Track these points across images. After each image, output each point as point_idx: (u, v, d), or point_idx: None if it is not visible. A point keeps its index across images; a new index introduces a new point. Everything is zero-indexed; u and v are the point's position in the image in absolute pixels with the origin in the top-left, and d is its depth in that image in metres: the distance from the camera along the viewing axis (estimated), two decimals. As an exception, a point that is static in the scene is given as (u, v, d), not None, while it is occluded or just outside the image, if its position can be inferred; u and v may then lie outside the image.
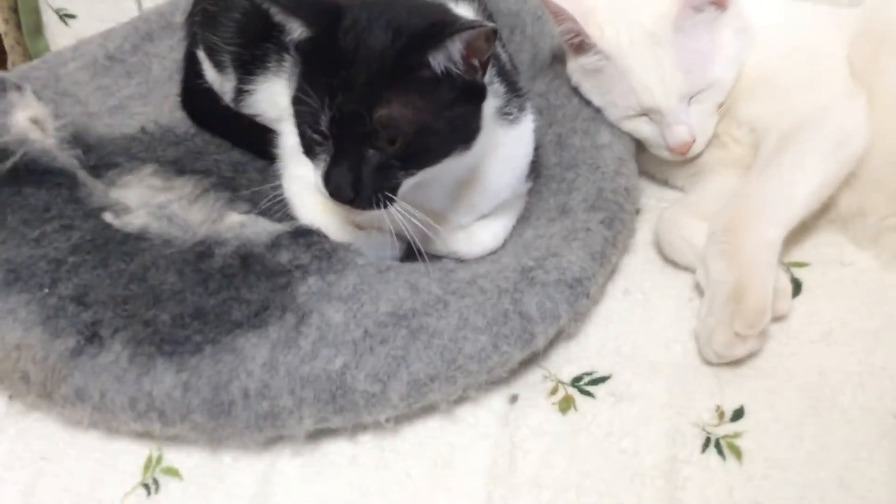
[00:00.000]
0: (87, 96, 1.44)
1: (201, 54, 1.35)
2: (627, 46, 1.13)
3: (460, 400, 0.97)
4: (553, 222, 1.10)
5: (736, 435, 0.92)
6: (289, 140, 1.13)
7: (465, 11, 1.06)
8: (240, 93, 1.27)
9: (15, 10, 1.78)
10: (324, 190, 0.95)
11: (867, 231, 1.10)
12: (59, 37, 1.71)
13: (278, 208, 1.11)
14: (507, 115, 1.05)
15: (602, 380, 0.99)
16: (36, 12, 1.76)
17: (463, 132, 0.96)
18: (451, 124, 0.94)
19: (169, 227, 1.10)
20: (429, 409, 0.96)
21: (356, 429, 0.96)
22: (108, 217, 1.11)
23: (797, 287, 1.06)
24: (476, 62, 0.92)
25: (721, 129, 1.17)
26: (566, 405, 0.97)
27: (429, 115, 0.92)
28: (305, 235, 1.04)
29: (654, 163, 1.24)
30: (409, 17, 0.93)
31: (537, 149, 1.16)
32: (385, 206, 0.95)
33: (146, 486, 0.93)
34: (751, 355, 0.99)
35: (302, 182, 1.09)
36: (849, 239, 1.12)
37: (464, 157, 0.98)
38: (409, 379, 0.92)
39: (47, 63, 1.49)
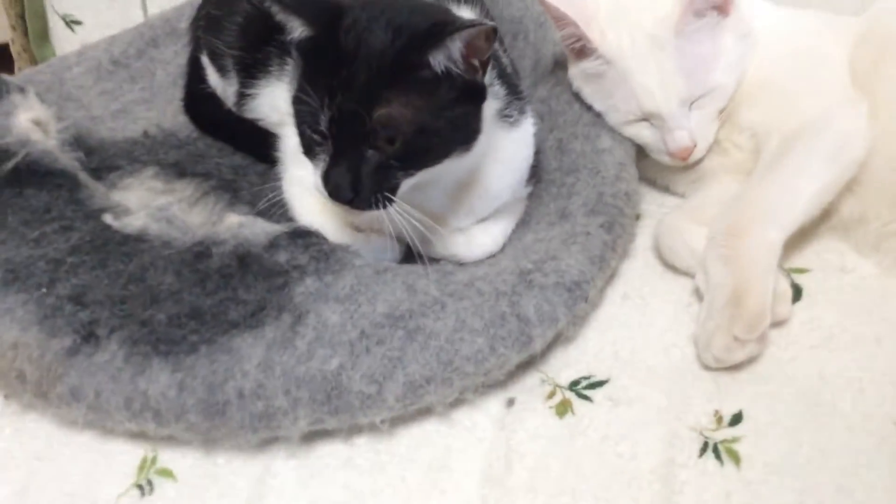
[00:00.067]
0: (90, 100, 1.45)
1: (205, 59, 1.35)
2: (628, 51, 1.13)
3: (457, 403, 0.96)
4: (553, 226, 1.09)
5: (734, 440, 0.91)
6: (290, 143, 1.13)
7: (467, 14, 1.07)
8: (242, 97, 1.27)
9: (22, 16, 1.79)
10: (323, 190, 0.95)
11: (869, 237, 1.09)
12: (65, 43, 1.72)
13: (277, 210, 1.11)
14: (508, 117, 1.05)
15: (600, 384, 0.98)
16: (43, 18, 1.76)
17: (463, 133, 0.96)
18: (451, 125, 0.94)
19: (168, 228, 1.10)
20: (425, 412, 0.96)
21: (351, 431, 0.95)
22: (107, 218, 1.11)
23: (798, 293, 1.06)
24: (476, 62, 0.92)
25: (722, 134, 1.17)
26: (563, 409, 0.96)
27: (428, 115, 0.92)
28: (304, 236, 1.04)
29: (655, 169, 1.24)
30: (409, 17, 0.93)
31: (538, 153, 1.16)
32: (384, 207, 0.94)
33: (140, 487, 0.93)
34: (750, 360, 0.98)
35: (301, 184, 1.09)
36: (850, 246, 1.12)
37: (464, 158, 0.98)
38: (405, 380, 0.92)
39: (52, 67, 1.51)
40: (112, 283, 1.02)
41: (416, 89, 0.92)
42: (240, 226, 1.05)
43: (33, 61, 1.78)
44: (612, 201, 1.09)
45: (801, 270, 1.09)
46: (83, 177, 1.17)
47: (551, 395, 0.98)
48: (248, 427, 0.92)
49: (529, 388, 0.99)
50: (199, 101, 1.38)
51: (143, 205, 1.15)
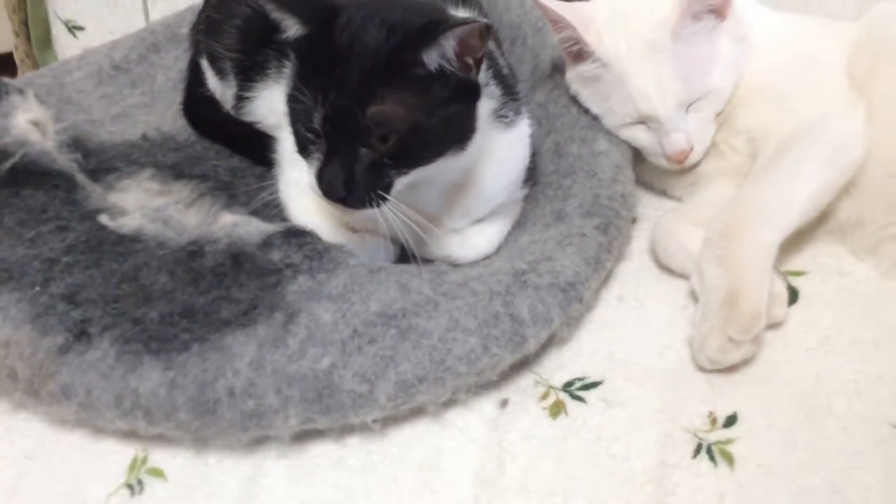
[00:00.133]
0: (90, 104, 1.45)
1: (204, 63, 1.36)
2: (626, 53, 1.13)
3: (449, 403, 0.96)
4: (548, 228, 1.09)
5: (728, 441, 0.90)
6: (287, 145, 1.13)
7: (464, 15, 1.07)
8: (240, 99, 1.28)
9: (25, 22, 1.80)
10: (317, 189, 0.95)
11: (866, 241, 1.09)
12: (67, 48, 1.73)
13: (272, 210, 1.11)
14: (503, 117, 1.05)
15: (594, 385, 0.98)
16: (45, 24, 1.78)
17: (457, 131, 0.96)
18: (445, 123, 0.94)
19: (164, 229, 1.10)
20: (417, 412, 0.95)
21: (343, 431, 0.94)
22: (103, 219, 1.11)
23: (794, 295, 1.05)
24: (470, 60, 0.92)
25: (719, 138, 1.17)
26: (556, 410, 0.96)
27: (422, 113, 0.92)
28: (298, 235, 1.04)
29: (652, 172, 1.23)
30: (404, 16, 0.93)
31: (535, 156, 1.16)
32: (378, 205, 0.94)
33: (130, 487, 0.92)
34: (745, 362, 0.98)
35: (297, 185, 1.09)
36: (847, 249, 1.11)
37: (459, 158, 0.98)
38: (397, 379, 0.91)
39: (53, 71, 1.51)
40: (105, 282, 1.02)
41: (410, 87, 0.92)
42: (234, 225, 1.05)
43: (36, 68, 1.78)
44: (608, 203, 1.09)
45: (797, 273, 1.08)
46: (80, 178, 1.17)
47: (545, 395, 0.97)
48: (239, 426, 0.91)
49: (523, 388, 0.98)
50: (197, 104, 1.38)
51: (140, 206, 1.15)
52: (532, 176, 1.16)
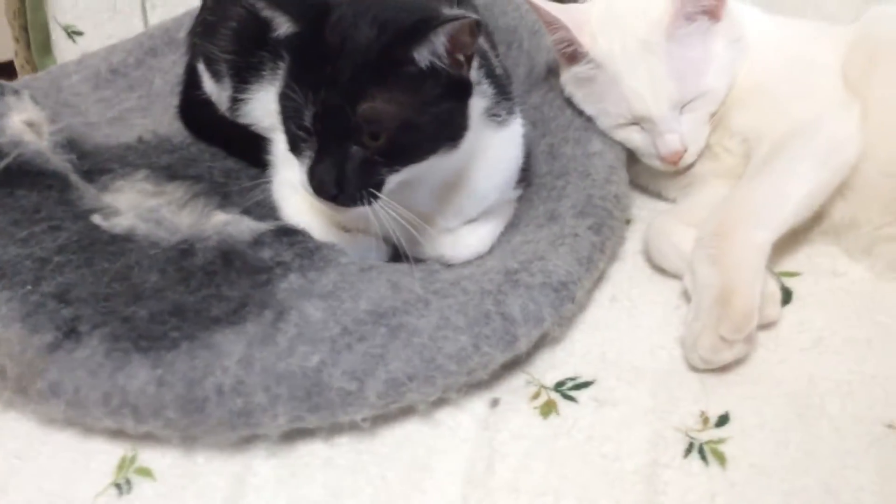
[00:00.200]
0: (87, 108, 1.46)
1: (200, 66, 1.36)
2: (619, 54, 1.13)
3: (440, 403, 0.95)
4: (541, 228, 1.09)
5: (720, 440, 0.90)
6: (281, 147, 1.12)
7: None
8: (235, 101, 1.28)
9: (25, 28, 1.80)
10: (308, 187, 0.94)
11: (860, 241, 1.08)
12: (66, 53, 1.73)
13: (266, 211, 1.11)
14: (496, 116, 1.05)
15: (585, 385, 0.97)
16: (45, 30, 1.78)
17: (449, 129, 0.96)
18: (437, 120, 0.94)
19: (157, 229, 1.10)
20: (407, 411, 0.94)
21: (332, 430, 0.94)
22: (96, 219, 1.11)
23: (788, 296, 1.05)
24: (461, 56, 0.92)
25: (714, 139, 1.17)
26: (548, 409, 0.95)
27: (413, 110, 0.92)
28: (289, 234, 1.04)
29: (646, 174, 1.23)
30: (395, 14, 0.93)
31: (529, 157, 1.16)
32: (369, 203, 0.94)
33: (118, 486, 0.91)
34: (738, 362, 0.97)
35: (290, 185, 1.09)
36: (842, 250, 1.11)
37: (451, 156, 0.97)
38: (387, 377, 0.90)
39: (51, 74, 1.52)
40: (97, 281, 1.02)
41: (401, 85, 0.92)
42: (225, 223, 1.05)
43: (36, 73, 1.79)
44: (602, 203, 1.09)
45: (791, 274, 1.08)
46: (74, 178, 1.17)
47: (536, 395, 0.97)
48: (227, 424, 0.90)
49: (514, 388, 0.98)
50: (193, 107, 1.38)
51: (133, 206, 1.15)
52: (526, 177, 1.15)
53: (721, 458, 0.88)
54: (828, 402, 0.92)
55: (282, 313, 0.95)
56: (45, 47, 1.79)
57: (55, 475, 0.93)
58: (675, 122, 1.13)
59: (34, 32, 1.78)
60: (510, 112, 1.08)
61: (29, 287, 1.01)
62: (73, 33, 1.74)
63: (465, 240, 1.10)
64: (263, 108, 1.22)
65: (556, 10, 1.14)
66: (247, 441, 0.93)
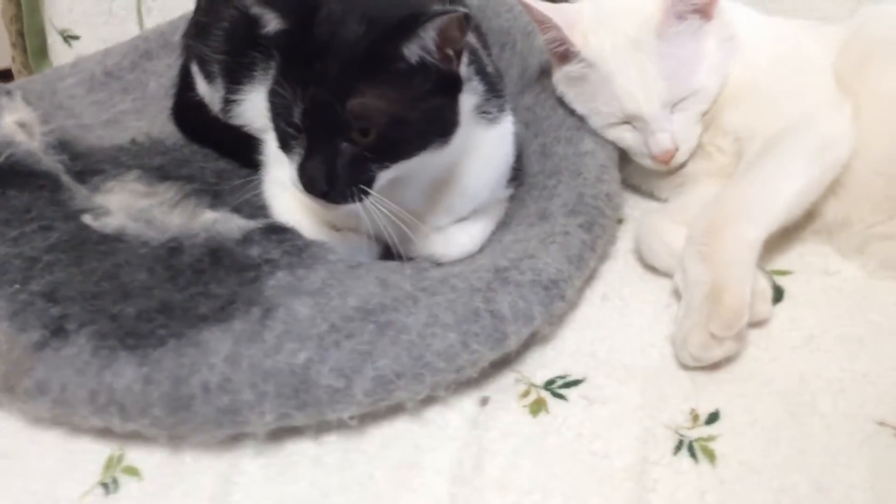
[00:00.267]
0: (81, 110, 1.46)
1: (194, 68, 1.36)
2: (611, 53, 1.12)
3: (429, 401, 0.94)
4: (532, 227, 1.08)
5: (710, 438, 0.89)
6: (273, 147, 1.12)
7: None
8: (227, 102, 1.28)
9: (22, 33, 1.81)
10: (298, 184, 0.94)
11: (853, 240, 1.08)
12: (62, 58, 1.74)
13: (256, 210, 1.11)
14: (486, 113, 1.05)
15: (575, 383, 0.96)
16: (42, 35, 1.79)
17: (439, 125, 0.96)
18: (427, 116, 0.94)
19: (147, 228, 1.10)
20: (396, 410, 0.94)
21: (321, 429, 0.93)
22: (87, 219, 1.11)
23: (779, 294, 1.04)
24: (450, 51, 0.92)
25: (706, 138, 1.16)
26: (537, 408, 0.94)
27: (402, 106, 0.92)
28: (278, 232, 1.03)
29: (639, 174, 1.23)
30: (384, 9, 0.93)
31: (520, 157, 1.15)
32: (360, 200, 0.93)
33: (105, 486, 0.91)
34: (729, 360, 0.96)
35: (281, 184, 1.08)
36: (834, 249, 1.10)
37: (442, 152, 0.97)
38: (375, 375, 0.90)
39: (45, 77, 1.53)
40: (85, 280, 1.01)
41: (390, 80, 0.91)
42: (214, 222, 1.05)
43: (32, 78, 1.80)
44: (593, 202, 1.08)
45: (783, 272, 1.07)
46: (65, 179, 1.17)
47: (526, 393, 0.96)
48: (214, 422, 0.89)
49: (504, 387, 0.97)
50: (187, 108, 1.39)
51: (124, 206, 1.15)
52: (518, 177, 1.15)
53: (711, 456, 0.87)
54: (819, 399, 0.92)
55: (269, 310, 0.94)
56: (42, 52, 1.80)
57: (42, 474, 0.92)
58: (666, 121, 1.12)
59: (30, 37, 1.79)
60: (501, 109, 1.07)
61: (17, 286, 1.00)
62: (69, 37, 1.74)
63: (456, 238, 1.10)
64: (255, 108, 1.21)
65: (548, 10, 1.13)
66: (234, 440, 0.92)
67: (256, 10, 0.95)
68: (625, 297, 1.07)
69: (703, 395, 0.93)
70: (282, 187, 1.09)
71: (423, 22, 0.88)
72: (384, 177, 0.95)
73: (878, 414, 0.90)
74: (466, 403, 0.95)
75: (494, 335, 0.94)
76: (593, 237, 1.05)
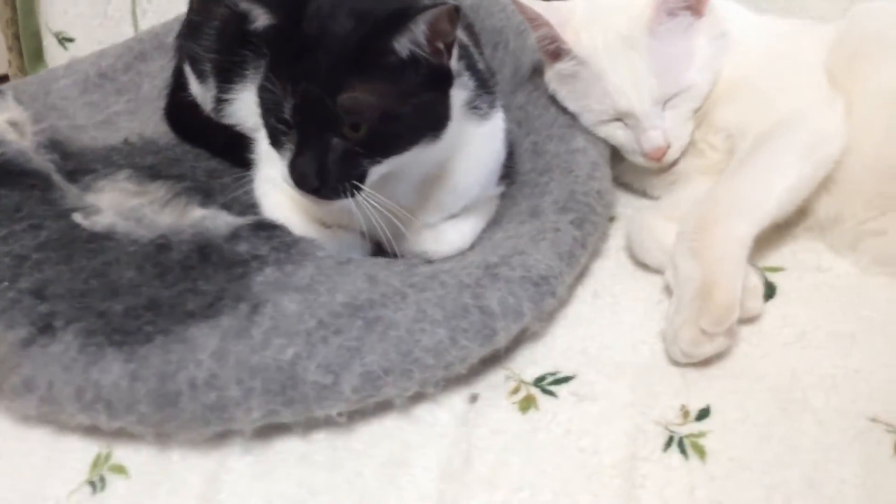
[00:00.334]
0: (75, 111, 1.46)
1: (187, 68, 1.36)
2: (602, 50, 1.12)
3: (418, 398, 0.93)
4: (523, 224, 1.08)
5: (700, 434, 0.88)
6: (264, 145, 1.12)
7: None
8: (219, 101, 1.27)
9: (17, 36, 1.81)
10: (290, 180, 0.93)
11: (845, 237, 1.07)
12: (58, 60, 1.74)
13: (246, 208, 1.10)
14: (477, 109, 1.05)
15: (565, 380, 0.96)
16: (37, 38, 1.79)
17: (431, 119, 0.95)
18: (418, 110, 0.93)
19: (137, 227, 1.09)
20: (385, 407, 0.93)
21: (308, 426, 0.92)
22: (77, 217, 1.11)
23: (771, 290, 1.03)
24: (441, 45, 0.92)
25: (698, 136, 1.16)
26: (527, 404, 0.93)
27: (393, 100, 0.91)
28: (266, 228, 1.03)
29: (631, 172, 1.22)
30: (374, 4, 0.93)
31: (512, 155, 1.15)
32: (352, 195, 0.93)
33: (92, 484, 0.90)
34: (720, 356, 0.96)
35: (272, 182, 1.08)
36: (827, 245, 1.10)
37: (433, 147, 0.97)
38: (363, 371, 0.89)
39: (39, 78, 1.53)
40: (74, 278, 1.01)
41: (381, 75, 0.91)
42: (202, 218, 1.05)
43: (27, 81, 1.80)
44: (584, 199, 1.08)
45: (775, 269, 1.07)
46: (56, 178, 1.17)
47: (515, 390, 0.95)
48: (200, 418, 0.89)
49: (494, 384, 0.96)
50: (179, 108, 1.38)
51: (114, 205, 1.15)
52: (509, 174, 1.15)
53: (701, 452, 0.87)
54: (811, 395, 0.91)
55: (257, 306, 0.94)
56: (38, 55, 1.81)
57: (29, 473, 0.92)
58: (657, 118, 1.12)
59: (26, 40, 1.79)
60: (492, 105, 1.07)
61: (6, 283, 1.00)
62: (64, 40, 1.74)
63: (447, 236, 1.09)
64: (247, 107, 1.21)
65: (540, 7, 1.13)
66: (221, 437, 0.92)
67: (245, 5, 0.95)
68: (616, 294, 1.07)
69: (693, 391, 0.93)
70: (272, 184, 1.08)
71: (414, 15, 0.88)
72: (376, 172, 0.94)
73: (870, 410, 0.89)
74: (456, 400, 0.95)
75: (483, 331, 0.93)
76: (584, 234, 1.05)
